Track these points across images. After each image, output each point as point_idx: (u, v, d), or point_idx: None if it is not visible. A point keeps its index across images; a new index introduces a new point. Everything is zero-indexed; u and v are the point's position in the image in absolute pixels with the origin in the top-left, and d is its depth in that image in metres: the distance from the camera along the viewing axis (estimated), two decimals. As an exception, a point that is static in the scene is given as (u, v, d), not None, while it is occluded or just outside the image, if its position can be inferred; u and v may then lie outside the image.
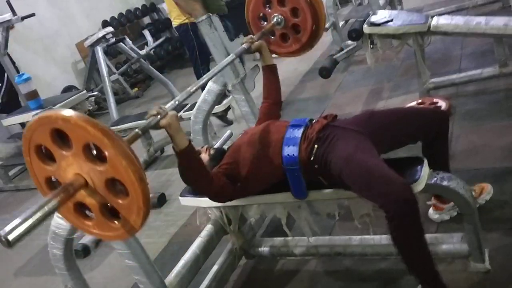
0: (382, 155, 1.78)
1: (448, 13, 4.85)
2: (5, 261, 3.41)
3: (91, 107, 3.42)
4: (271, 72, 2.23)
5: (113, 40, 5.81)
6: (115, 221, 1.27)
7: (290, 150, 1.81)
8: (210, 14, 2.43)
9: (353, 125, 1.83)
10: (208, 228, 2.19)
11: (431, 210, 2.22)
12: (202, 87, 2.51)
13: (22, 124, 4.36)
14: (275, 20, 2.33)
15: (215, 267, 2.18)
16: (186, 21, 4.31)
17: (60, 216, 1.77)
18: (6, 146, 5.49)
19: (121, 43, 5.94)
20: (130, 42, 6.27)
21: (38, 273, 3.03)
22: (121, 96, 6.70)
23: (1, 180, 4.95)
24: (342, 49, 4.65)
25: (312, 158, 1.78)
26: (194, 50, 4.45)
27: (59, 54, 6.63)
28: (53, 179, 1.32)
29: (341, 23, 5.09)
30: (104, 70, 5.61)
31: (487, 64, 3.26)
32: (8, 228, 1.09)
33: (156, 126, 1.55)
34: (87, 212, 1.32)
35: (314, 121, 1.92)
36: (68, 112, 1.17)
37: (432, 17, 3.20)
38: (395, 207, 1.54)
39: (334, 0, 4.92)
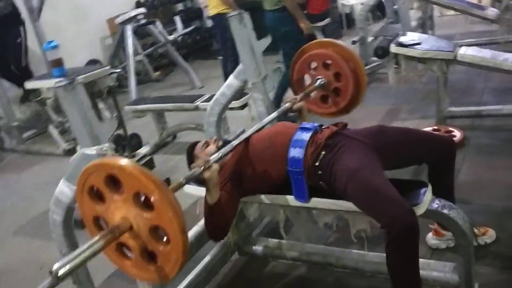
0: (389, 174, 1.80)
1: (478, 45, 4.82)
2: (8, 219, 3.49)
3: (112, 84, 3.46)
4: None
5: (144, 21, 5.87)
6: (153, 265, 1.35)
7: (296, 152, 1.84)
8: (242, 11, 2.47)
9: (362, 137, 1.84)
10: (206, 219, 2.22)
11: (430, 235, 2.23)
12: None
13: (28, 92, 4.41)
14: (318, 82, 2.39)
15: (207, 258, 2.22)
16: (225, 11, 4.38)
17: (65, 184, 1.83)
18: (24, 109, 5.59)
19: (151, 25, 6.00)
20: (160, 26, 6.33)
21: (35, 236, 3.09)
22: (142, 77, 6.77)
23: (14, 141, 5.05)
24: (366, 65, 4.65)
25: (317, 164, 1.80)
26: (227, 41, 4.46)
27: (89, 27, 6.70)
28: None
29: (370, 39, 5.09)
30: (130, 49, 5.68)
31: (508, 101, 3.26)
32: (58, 264, 1.20)
33: (199, 177, 1.65)
34: (127, 252, 1.40)
35: (324, 127, 1.94)
36: (125, 162, 1.27)
37: (460, 46, 3.21)
38: (398, 230, 1.56)
39: (366, 14, 4.92)
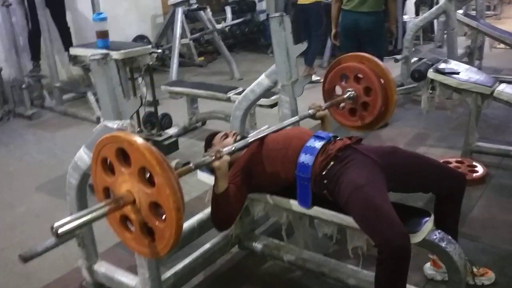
0: (399, 198, 1.81)
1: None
2: (34, 175, 3.66)
3: (152, 62, 3.57)
4: None
5: (195, 6, 5.98)
6: (149, 240, 1.42)
7: (306, 158, 1.88)
8: (284, 13, 2.52)
9: (373, 154, 1.86)
10: (212, 208, 2.29)
11: (428, 264, 2.24)
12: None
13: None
14: (347, 94, 2.42)
15: (207, 245, 2.29)
16: None
17: (85, 151, 1.93)
18: (69, 72, 5.81)
19: (201, 11, 6.10)
20: (210, 13, 6.43)
21: (55, 195, 3.25)
22: (186, 60, 6.90)
23: (55, 101, 5.27)
24: (403, 85, 4.62)
25: (324, 173, 1.84)
26: (322, 25, 5.57)
27: (143, 3, 6.87)
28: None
29: (414, 59, 5.03)
30: (178, 31, 5.81)
31: (540, 147, 3.18)
32: (60, 222, 1.28)
33: (209, 165, 1.73)
34: (129, 225, 1.48)
35: (338, 138, 1.97)
36: (134, 137, 1.35)
37: (501, 82, 3.16)
38: (389, 251, 1.59)
39: (414, 34, 4.87)
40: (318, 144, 1.91)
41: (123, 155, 1.38)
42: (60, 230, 1.26)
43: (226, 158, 1.75)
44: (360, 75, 2.39)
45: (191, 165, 1.63)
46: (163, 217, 1.36)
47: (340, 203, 1.80)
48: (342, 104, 2.49)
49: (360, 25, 4.07)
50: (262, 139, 2.01)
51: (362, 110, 2.44)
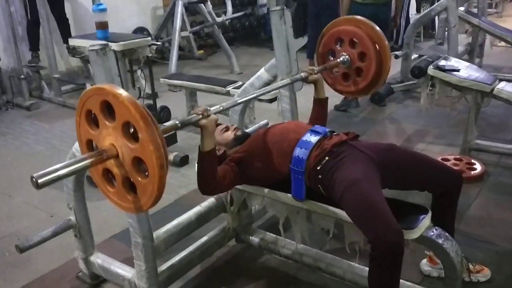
0: (397, 194, 1.80)
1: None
2: (31, 166, 3.66)
3: (151, 54, 3.56)
4: (321, 105, 2.28)
5: (196, -1, 5.96)
6: (132, 196, 1.40)
7: (300, 152, 1.88)
8: (285, 7, 2.51)
9: (369, 151, 1.86)
10: (210, 201, 2.29)
11: (424, 261, 2.24)
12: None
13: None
14: (341, 58, 2.39)
15: (204, 238, 2.29)
16: None
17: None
18: (68, 63, 5.80)
19: (202, 4, 6.08)
20: (210, 6, 6.40)
21: (53, 186, 3.18)
22: (186, 53, 6.88)
23: (53, 92, 5.25)
24: (402, 81, 4.61)
25: (318, 168, 1.83)
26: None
27: (144, -5, 6.83)
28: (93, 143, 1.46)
29: (414, 56, 5.04)
30: (178, 23, 5.78)
31: (540, 146, 3.18)
32: (41, 172, 1.24)
33: (195, 124, 1.68)
34: (112, 180, 1.45)
35: (335, 133, 1.97)
36: (120, 91, 1.30)
37: (500, 80, 3.15)
38: (382, 247, 1.58)
39: (414, 31, 4.86)
40: (314, 139, 1.91)
41: (108, 108, 1.34)
42: (40, 180, 1.22)
43: (213, 117, 1.69)
44: (355, 39, 2.35)
45: (177, 122, 1.57)
46: (146, 173, 1.32)
47: (334, 198, 1.80)
48: (335, 69, 2.45)
49: (378, 16, 4.09)
50: (262, 132, 2.00)
51: (356, 75, 2.40)
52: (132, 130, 1.32)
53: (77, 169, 1.31)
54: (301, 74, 2.23)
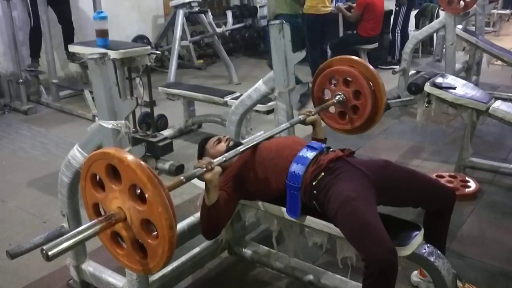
0: (390, 211, 1.81)
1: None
2: (26, 170, 3.65)
3: (150, 63, 3.57)
4: None
5: (197, 9, 6.00)
6: (141, 257, 1.40)
7: (297, 168, 1.88)
8: (284, 21, 2.53)
9: (365, 168, 1.86)
10: (204, 212, 2.28)
11: (415, 272, 2.25)
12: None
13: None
14: (337, 98, 2.41)
15: (196, 249, 2.28)
16: None
17: (78, 149, 1.92)
18: (67, 69, 5.81)
19: (202, 14, 6.11)
20: (211, 17, 6.44)
21: (47, 192, 3.24)
22: (185, 62, 6.91)
23: (51, 97, 5.26)
24: (399, 97, 4.64)
25: (314, 183, 1.84)
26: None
27: (145, 3, 6.86)
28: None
29: (412, 71, 5.07)
30: (178, 33, 5.81)
31: (533, 165, 3.19)
32: (50, 244, 1.24)
33: (200, 177, 1.69)
34: (120, 242, 1.46)
35: (331, 150, 1.97)
36: (125, 154, 1.32)
37: (496, 99, 3.17)
38: (376, 266, 1.58)
39: (413, 47, 4.89)
40: (310, 155, 1.91)
41: (114, 172, 1.36)
42: (50, 253, 1.23)
43: (218, 169, 1.71)
44: (349, 78, 2.37)
45: (182, 178, 1.60)
46: (155, 233, 1.34)
47: (328, 215, 1.80)
48: (331, 108, 2.47)
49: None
50: (254, 147, 2.00)
51: (352, 114, 2.42)
52: (139, 191, 1.33)
53: (86, 237, 1.30)
54: (299, 116, 2.27)
